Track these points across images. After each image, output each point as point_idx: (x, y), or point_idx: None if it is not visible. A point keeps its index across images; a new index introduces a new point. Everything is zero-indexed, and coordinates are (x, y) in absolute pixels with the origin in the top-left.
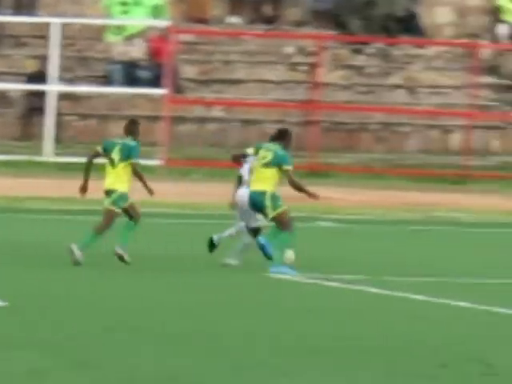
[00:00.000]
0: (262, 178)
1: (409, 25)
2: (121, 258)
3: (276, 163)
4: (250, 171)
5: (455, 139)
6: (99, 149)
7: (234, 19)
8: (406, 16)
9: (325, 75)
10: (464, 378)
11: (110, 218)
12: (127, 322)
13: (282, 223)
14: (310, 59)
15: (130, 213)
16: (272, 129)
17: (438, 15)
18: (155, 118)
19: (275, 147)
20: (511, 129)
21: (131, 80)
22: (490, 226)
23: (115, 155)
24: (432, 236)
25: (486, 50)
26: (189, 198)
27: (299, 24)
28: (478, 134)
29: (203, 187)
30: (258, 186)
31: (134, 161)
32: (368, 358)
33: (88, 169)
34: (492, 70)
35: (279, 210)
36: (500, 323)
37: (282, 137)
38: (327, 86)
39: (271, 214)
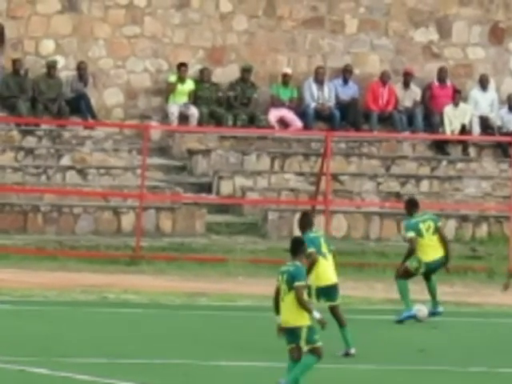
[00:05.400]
0: (435, 245)
1: (78, 106)
2: None
3: (437, 226)
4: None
5: (127, 220)
6: None
7: None
8: (76, 97)
9: None
10: None
11: None
12: None
13: None
14: None
15: None
16: None
17: (107, 96)
18: None
19: (427, 215)
20: (181, 209)
21: None
22: (164, 307)
23: None
24: (106, 318)
25: (155, 131)
26: None
27: None
28: (149, 215)
29: None
30: (439, 253)
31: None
32: None
33: None
34: (162, 151)
35: None
36: None
37: (417, 204)
38: None
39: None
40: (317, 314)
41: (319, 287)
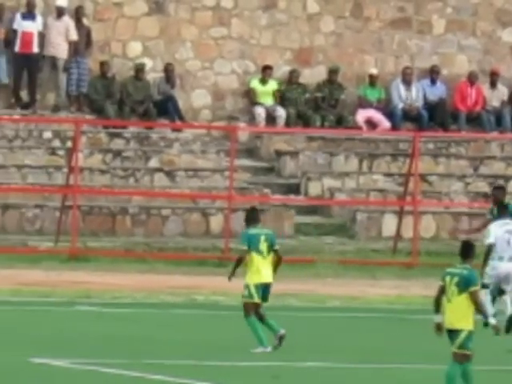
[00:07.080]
0: None
1: (166, 108)
2: None
3: None
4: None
5: (215, 222)
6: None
7: None
8: (163, 99)
9: (83, 159)
10: None
11: None
12: None
13: None
14: (68, 144)
15: None
16: (31, 213)
17: (195, 98)
18: None
19: None
20: (270, 211)
21: None
22: None
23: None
24: (194, 320)
25: (243, 133)
26: None
27: (56, 109)
28: (237, 216)
29: None
30: None
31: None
32: None
33: None
34: (250, 152)
35: None
36: None
37: None
38: (86, 170)
39: None
40: (493, 320)
41: (256, 284)
